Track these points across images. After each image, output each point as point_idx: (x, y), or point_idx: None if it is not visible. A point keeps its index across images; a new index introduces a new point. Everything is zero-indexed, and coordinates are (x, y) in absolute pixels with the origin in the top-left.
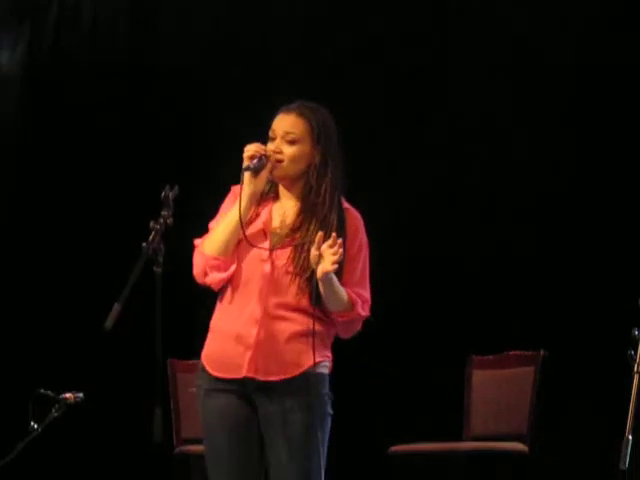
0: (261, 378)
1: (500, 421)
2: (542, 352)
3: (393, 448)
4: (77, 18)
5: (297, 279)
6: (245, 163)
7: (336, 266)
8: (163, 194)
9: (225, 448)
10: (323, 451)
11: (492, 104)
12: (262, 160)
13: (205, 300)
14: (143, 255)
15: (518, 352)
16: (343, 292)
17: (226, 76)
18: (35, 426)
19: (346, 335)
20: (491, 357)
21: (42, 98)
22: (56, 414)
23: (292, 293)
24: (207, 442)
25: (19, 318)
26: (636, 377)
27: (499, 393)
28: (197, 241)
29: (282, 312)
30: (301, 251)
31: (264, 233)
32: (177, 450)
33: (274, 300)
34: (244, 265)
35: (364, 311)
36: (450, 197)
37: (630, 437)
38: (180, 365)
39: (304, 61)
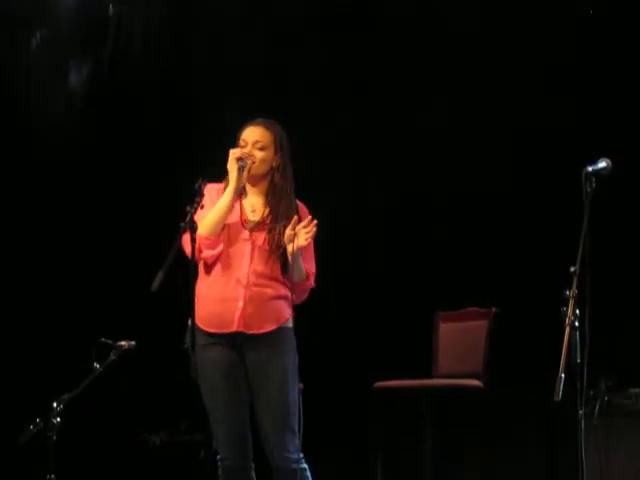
0: (248, 332)
1: (461, 363)
2: (494, 309)
3: (377, 384)
4: (129, 48)
5: (272, 255)
6: (234, 163)
7: (309, 241)
8: (196, 185)
9: (219, 390)
10: (296, 386)
11: None
12: (246, 161)
13: None
14: (181, 232)
15: (475, 309)
16: (303, 266)
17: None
18: (97, 366)
19: (298, 301)
20: (453, 312)
21: (102, 113)
22: (114, 358)
23: (269, 265)
24: (204, 386)
25: (87, 281)
26: (567, 328)
27: (460, 341)
28: (182, 225)
29: (261, 280)
30: (273, 233)
31: (241, 221)
32: None
33: (255, 271)
34: (230, 246)
35: (313, 283)
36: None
37: (562, 375)
38: None
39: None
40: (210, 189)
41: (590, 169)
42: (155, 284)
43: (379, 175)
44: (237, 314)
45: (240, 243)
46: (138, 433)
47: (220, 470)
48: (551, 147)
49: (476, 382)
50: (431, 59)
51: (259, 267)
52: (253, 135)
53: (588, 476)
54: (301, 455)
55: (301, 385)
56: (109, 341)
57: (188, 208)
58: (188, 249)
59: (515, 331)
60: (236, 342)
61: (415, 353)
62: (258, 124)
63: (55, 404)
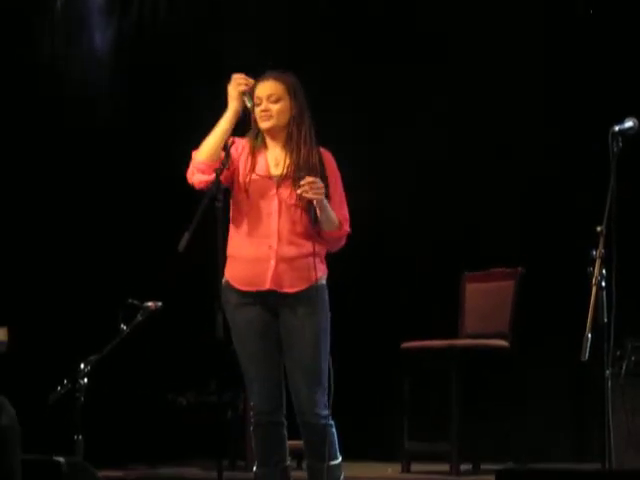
0: (280, 290)
1: (487, 323)
2: (520, 269)
3: (404, 345)
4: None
5: (299, 208)
6: (236, 89)
7: (321, 196)
8: (224, 145)
9: (253, 347)
10: (328, 344)
11: None
12: (249, 95)
13: None
14: (208, 192)
15: (501, 269)
16: (333, 214)
17: None
18: (124, 328)
19: (334, 249)
20: (480, 273)
21: (130, 76)
22: (141, 318)
23: (298, 220)
24: (239, 344)
25: (115, 242)
26: (594, 288)
27: (486, 301)
28: (194, 152)
29: (292, 237)
30: (298, 185)
31: (268, 177)
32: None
33: (285, 227)
34: (258, 203)
35: (348, 228)
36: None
37: (589, 335)
38: None
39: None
40: (234, 146)
41: (617, 128)
42: (182, 245)
43: (401, 133)
44: (269, 273)
45: (268, 199)
46: (165, 394)
47: (253, 426)
48: (578, 106)
49: (502, 342)
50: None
51: (288, 223)
52: (265, 90)
53: (615, 435)
54: (329, 412)
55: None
56: (136, 302)
57: (215, 169)
58: (188, 172)
59: (541, 291)
60: (269, 301)
61: (442, 314)
62: (268, 78)
63: (82, 365)
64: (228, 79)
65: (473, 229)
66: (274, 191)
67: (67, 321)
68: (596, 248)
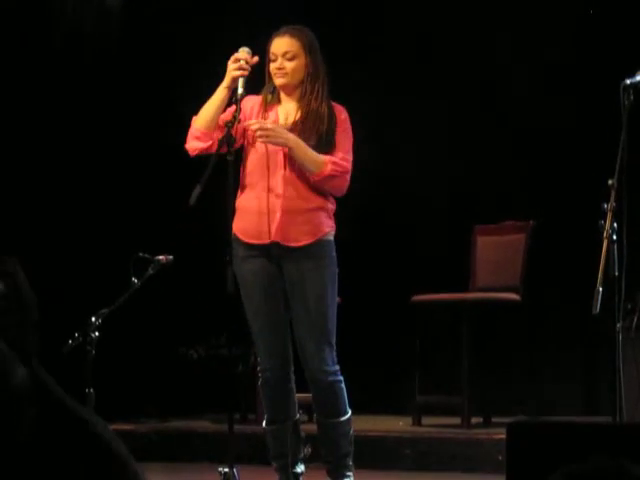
0: (285, 243)
1: (498, 276)
2: (532, 222)
3: (414, 297)
4: None
5: None
6: (234, 73)
7: (279, 139)
8: (233, 98)
9: (259, 301)
10: (335, 300)
11: None
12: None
13: None
14: (218, 145)
15: (513, 222)
16: (313, 158)
17: None
18: (135, 281)
19: (334, 191)
20: (491, 226)
21: (138, 29)
22: (152, 272)
23: (303, 173)
24: (245, 298)
25: (126, 195)
26: (605, 242)
27: (497, 254)
28: (193, 118)
29: (298, 189)
30: (304, 138)
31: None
32: None
33: (290, 178)
34: (264, 155)
35: (331, 171)
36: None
37: (600, 288)
38: None
39: None
40: (247, 100)
41: (628, 82)
42: (193, 198)
43: (414, 88)
44: (274, 225)
45: (274, 152)
46: (176, 347)
47: (260, 381)
48: (590, 59)
49: (514, 295)
50: None
51: (293, 174)
52: (280, 47)
53: (625, 388)
54: (337, 368)
55: (339, 299)
56: (147, 256)
57: (225, 122)
58: (187, 138)
59: (553, 244)
60: (274, 254)
61: (453, 267)
62: (284, 34)
63: (94, 319)
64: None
65: (485, 182)
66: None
67: (78, 274)
68: (607, 201)
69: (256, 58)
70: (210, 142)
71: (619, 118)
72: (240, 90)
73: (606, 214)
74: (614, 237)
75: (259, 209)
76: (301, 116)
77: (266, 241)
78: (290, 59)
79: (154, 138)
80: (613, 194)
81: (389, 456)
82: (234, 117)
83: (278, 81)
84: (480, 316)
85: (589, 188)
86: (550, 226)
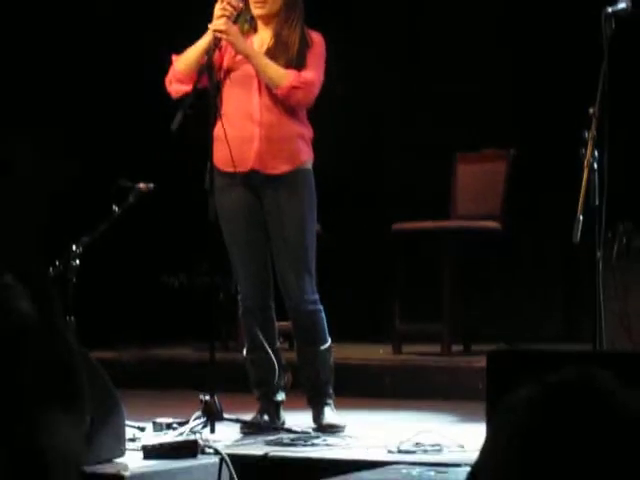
0: (264, 171)
1: (479, 204)
2: (512, 150)
3: (395, 226)
4: None
5: None
6: (221, 12)
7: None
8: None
9: (238, 230)
10: (314, 229)
11: None
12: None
13: None
14: (200, 71)
15: (493, 150)
16: (274, 70)
17: None
18: (116, 209)
19: (299, 106)
20: (472, 154)
21: None
22: (132, 200)
23: (278, 100)
24: (225, 227)
25: (106, 122)
26: (585, 170)
27: (478, 183)
28: (174, 57)
29: (274, 115)
30: (276, 63)
31: None
32: None
33: (265, 104)
34: (239, 83)
35: (293, 82)
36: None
37: (581, 217)
38: None
39: None
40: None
41: (610, 10)
42: (174, 124)
43: (396, 34)
44: (252, 152)
45: (249, 80)
46: (157, 275)
47: (241, 310)
48: None
49: (494, 224)
50: None
51: (269, 103)
52: None
53: (607, 318)
54: (317, 296)
55: (319, 227)
56: (128, 183)
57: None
58: (167, 79)
59: (533, 173)
60: (253, 182)
61: (433, 195)
62: None
63: (74, 247)
64: None
65: (466, 109)
66: (253, 70)
67: (59, 202)
68: (588, 130)
69: (242, 4)
70: (192, 84)
71: (600, 46)
72: (243, 23)
73: (587, 142)
74: (595, 166)
75: (237, 137)
76: (273, 43)
77: (245, 169)
78: None
79: (136, 66)
80: (594, 122)
81: (369, 384)
82: (214, 45)
83: (257, 11)
84: (461, 244)
85: (570, 116)
86: (531, 154)
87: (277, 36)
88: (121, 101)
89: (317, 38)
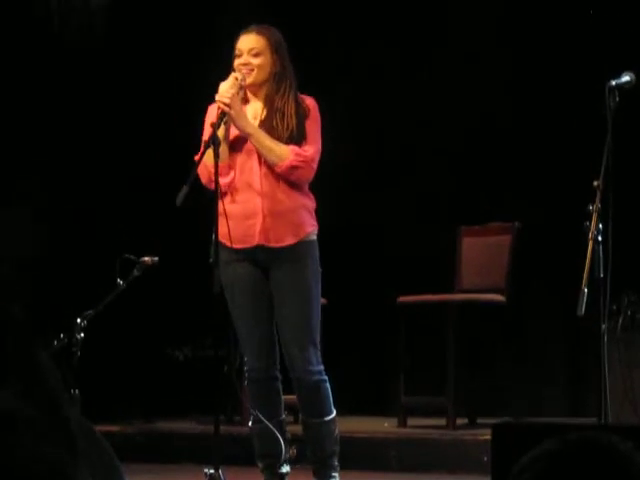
0: (268, 245)
1: (483, 277)
2: (517, 224)
3: (400, 298)
4: None
5: None
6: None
7: (227, 109)
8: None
9: (244, 304)
10: (319, 300)
11: None
12: (227, 114)
13: None
14: (205, 147)
15: (498, 223)
16: (273, 148)
17: None
18: (121, 282)
19: (300, 181)
20: (476, 227)
21: (124, 30)
22: (137, 273)
23: (276, 170)
24: (231, 301)
25: (111, 196)
26: (590, 243)
27: (483, 256)
28: (196, 157)
29: (276, 190)
30: (273, 137)
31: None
32: None
33: (267, 175)
34: (240, 157)
35: (293, 161)
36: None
37: (585, 289)
38: None
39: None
40: (211, 110)
41: (614, 83)
42: (179, 199)
43: (401, 87)
44: (257, 229)
45: (248, 154)
46: (162, 349)
47: (247, 381)
48: (575, 60)
49: (499, 297)
50: None
51: (270, 176)
52: (247, 43)
53: (611, 389)
54: (322, 367)
55: (324, 300)
56: (132, 257)
57: (212, 123)
58: (204, 179)
59: (538, 246)
60: (258, 257)
61: (438, 268)
62: (250, 31)
63: (79, 320)
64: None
65: (471, 183)
66: (252, 145)
67: (64, 275)
68: (593, 202)
69: (244, 83)
70: (232, 173)
71: (604, 119)
72: (218, 129)
73: (591, 215)
74: (599, 238)
75: (241, 213)
76: (266, 115)
77: (250, 245)
78: (255, 55)
79: (140, 140)
80: (598, 195)
81: (375, 457)
82: (220, 119)
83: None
84: (465, 317)
85: (574, 189)
86: (535, 227)
87: (270, 107)
88: (125, 174)
89: (311, 103)
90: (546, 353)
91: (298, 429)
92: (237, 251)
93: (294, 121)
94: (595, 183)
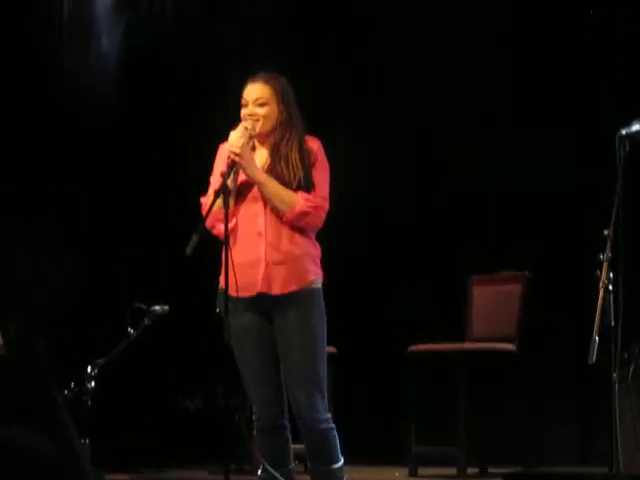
0: (271, 292)
1: (494, 326)
2: (527, 273)
3: (410, 347)
4: (162, 12)
5: None
6: (231, 157)
7: (237, 158)
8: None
9: (250, 354)
10: (324, 348)
11: None
12: (237, 166)
13: None
14: (216, 196)
15: (508, 272)
16: (282, 196)
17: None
18: (131, 331)
19: (309, 228)
20: (487, 276)
21: (136, 74)
22: (148, 322)
23: (283, 220)
24: (236, 350)
25: (121, 245)
26: (601, 291)
27: (493, 305)
28: (203, 199)
29: (280, 238)
30: (280, 183)
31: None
32: None
33: (271, 228)
34: (244, 206)
35: (303, 207)
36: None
37: (597, 338)
38: None
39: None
40: (222, 151)
41: (624, 132)
42: (189, 248)
43: (405, 130)
44: (259, 276)
45: (253, 202)
46: (172, 398)
47: (256, 431)
48: (584, 109)
49: (510, 346)
50: None
51: (275, 224)
52: (253, 93)
53: (622, 439)
54: (329, 415)
55: (334, 349)
56: (143, 306)
57: (223, 173)
58: (208, 224)
59: (549, 295)
60: (262, 305)
61: (448, 317)
62: (257, 80)
63: (89, 369)
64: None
65: (481, 232)
66: (257, 193)
67: (74, 324)
68: (603, 251)
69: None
70: (235, 220)
71: (615, 168)
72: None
73: (602, 264)
74: (610, 287)
75: (244, 262)
76: (271, 163)
77: (253, 293)
78: (261, 105)
79: (149, 187)
80: (609, 244)
81: None
82: (230, 168)
83: (253, 128)
84: (476, 366)
85: (585, 238)
86: (546, 276)
87: (275, 154)
88: (134, 223)
89: (315, 145)
90: (557, 402)
91: (307, 479)
92: (241, 300)
93: (300, 169)
94: (605, 232)
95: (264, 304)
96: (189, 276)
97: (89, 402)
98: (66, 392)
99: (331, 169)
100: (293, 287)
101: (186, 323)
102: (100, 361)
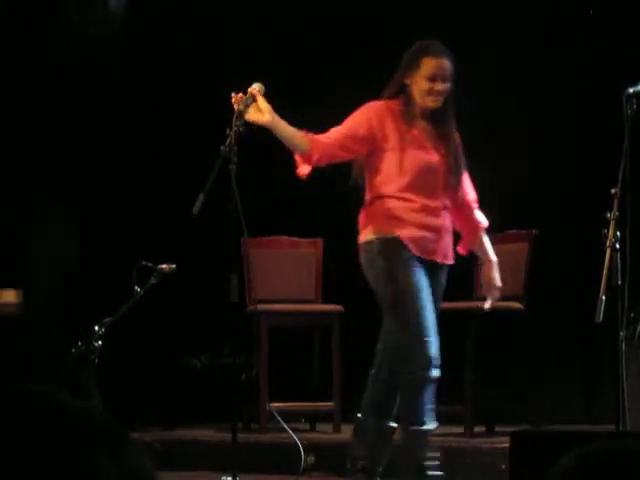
0: (439, 261)
1: (502, 285)
2: (534, 231)
3: None
4: None
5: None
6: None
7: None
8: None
9: (429, 304)
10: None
11: None
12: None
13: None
14: (221, 155)
15: (515, 231)
16: (290, 134)
17: None
18: (138, 290)
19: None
20: (494, 235)
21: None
22: (154, 281)
23: (444, 192)
24: (415, 300)
25: (128, 203)
26: (608, 251)
27: (500, 264)
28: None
29: (443, 210)
30: (449, 155)
31: (424, 149)
32: (249, 309)
33: (443, 198)
34: (420, 173)
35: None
36: None
37: (603, 297)
38: (251, 242)
39: None
40: (378, 107)
41: (631, 90)
42: (196, 207)
43: None
44: (439, 244)
45: (431, 173)
46: (179, 357)
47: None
48: (592, 68)
49: (517, 304)
50: None
51: (445, 193)
52: (444, 69)
53: (629, 396)
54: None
55: (341, 308)
56: (150, 264)
57: (228, 131)
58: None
59: (556, 253)
60: (429, 266)
61: (456, 276)
62: (441, 55)
63: (97, 327)
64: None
65: (487, 191)
66: (436, 165)
67: (81, 283)
68: (610, 210)
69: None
70: (311, 166)
71: (622, 126)
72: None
73: (609, 223)
74: (617, 246)
75: (426, 226)
76: (444, 136)
77: (430, 259)
78: (444, 81)
79: (156, 147)
80: (616, 203)
81: (390, 463)
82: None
83: (432, 103)
84: (483, 325)
85: (592, 197)
86: (553, 235)
87: (442, 131)
88: (142, 181)
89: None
90: (564, 361)
91: (315, 437)
92: (418, 258)
93: (458, 150)
94: (613, 190)
95: (431, 266)
96: (196, 235)
97: (96, 360)
98: (73, 351)
99: None
100: (448, 259)
101: (193, 282)
102: (107, 320)
